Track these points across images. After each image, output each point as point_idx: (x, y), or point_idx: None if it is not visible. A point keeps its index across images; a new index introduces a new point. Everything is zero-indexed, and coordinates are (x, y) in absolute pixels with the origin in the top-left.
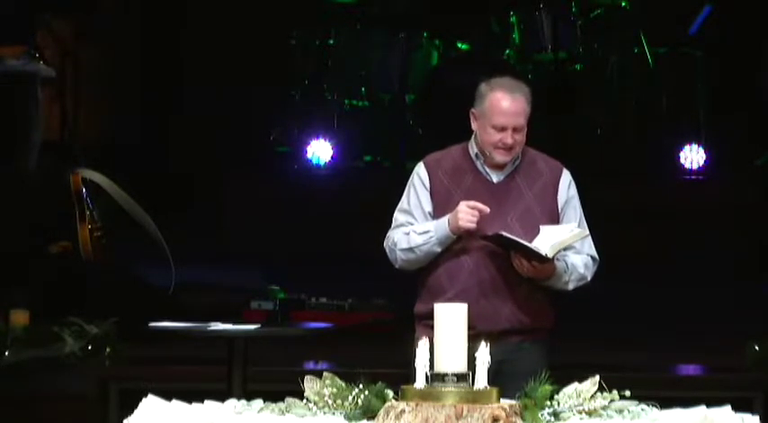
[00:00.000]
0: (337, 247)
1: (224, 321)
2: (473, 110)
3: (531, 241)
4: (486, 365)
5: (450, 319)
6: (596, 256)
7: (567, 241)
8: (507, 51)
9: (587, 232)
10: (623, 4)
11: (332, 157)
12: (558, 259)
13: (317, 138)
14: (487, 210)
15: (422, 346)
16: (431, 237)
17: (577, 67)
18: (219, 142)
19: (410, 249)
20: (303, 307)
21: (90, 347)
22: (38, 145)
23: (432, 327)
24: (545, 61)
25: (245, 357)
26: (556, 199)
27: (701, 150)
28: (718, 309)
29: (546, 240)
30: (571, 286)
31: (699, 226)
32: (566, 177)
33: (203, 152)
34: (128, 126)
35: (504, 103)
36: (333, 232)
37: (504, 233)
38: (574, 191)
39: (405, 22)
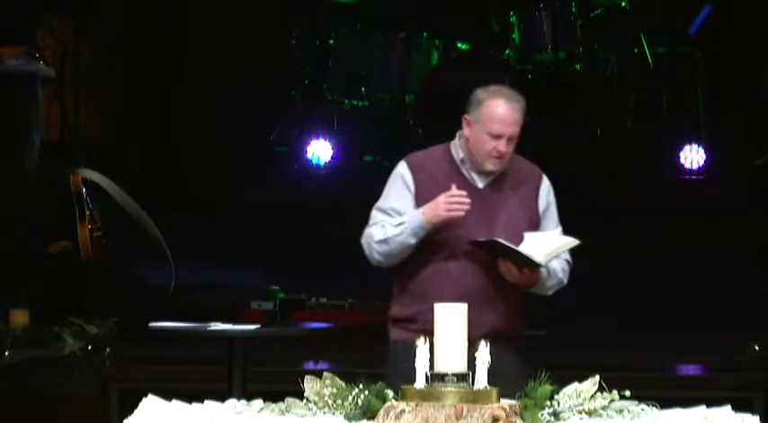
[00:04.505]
0: (337, 247)
1: (224, 321)
2: (467, 116)
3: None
4: (487, 365)
5: (450, 319)
6: (570, 260)
7: (559, 249)
8: (507, 51)
9: (578, 241)
10: (623, 4)
11: (332, 157)
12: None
13: (317, 138)
14: (468, 201)
15: (421, 346)
16: (405, 227)
17: (577, 67)
18: (219, 142)
19: (384, 240)
20: (303, 307)
21: (90, 347)
22: (38, 145)
23: (411, 330)
24: (545, 61)
25: (245, 357)
26: (537, 205)
27: (701, 150)
28: (718, 309)
29: (535, 247)
30: (551, 292)
31: (698, 226)
32: (545, 183)
33: (203, 152)
34: (128, 126)
35: (503, 112)
36: (333, 232)
37: (500, 240)
38: (552, 196)
39: (405, 22)
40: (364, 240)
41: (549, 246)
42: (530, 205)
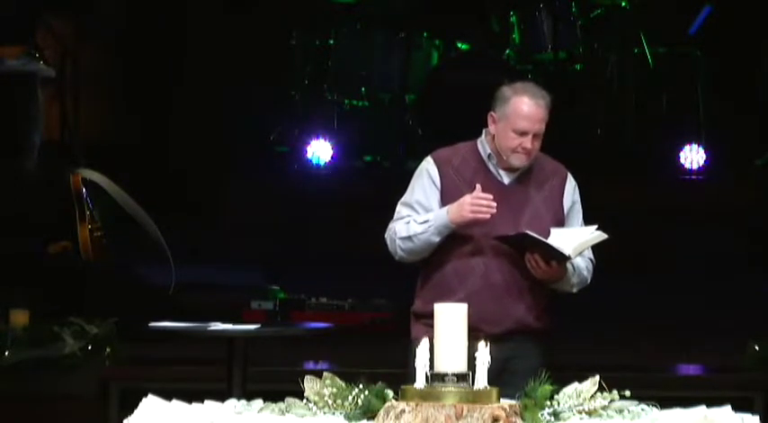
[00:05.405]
0: (337, 247)
1: (224, 321)
2: (492, 112)
3: None
4: (487, 365)
5: (451, 318)
6: (593, 258)
7: (589, 243)
8: (507, 51)
9: (606, 235)
10: (623, 4)
11: (332, 157)
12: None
13: (317, 138)
14: (494, 204)
15: (422, 345)
16: (429, 225)
17: (577, 67)
18: (219, 142)
19: (408, 238)
20: (303, 307)
21: (90, 347)
22: (38, 145)
23: (433, 326)
24: (545, 61)
25: (245, 357)
26: (562, 203)
27: (701, 150)
28: (717, 309)
29: (563, 241)
30: (575, 289)
31: (698, 226)
32: (571, 181)
33: (203, 152)
34: (128, 126)
35: (528, 109)
36: (333, 232)
37: (531, 233)
38: (578, 195)
39: (405, 22)
40: (388, 235)
41: (577, 239)
42: (555, 203)
